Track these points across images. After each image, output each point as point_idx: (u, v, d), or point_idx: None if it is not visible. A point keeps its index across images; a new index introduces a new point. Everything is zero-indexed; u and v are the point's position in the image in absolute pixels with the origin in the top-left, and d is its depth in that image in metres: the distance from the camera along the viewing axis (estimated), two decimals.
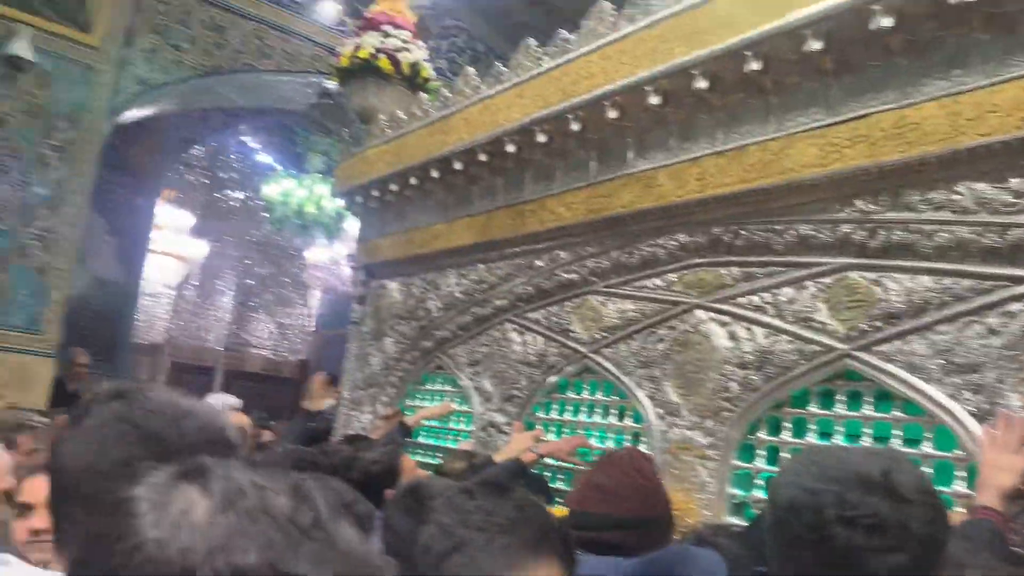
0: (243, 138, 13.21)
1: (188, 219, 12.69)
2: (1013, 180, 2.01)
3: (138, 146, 10.13)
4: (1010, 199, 2.02)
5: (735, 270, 2.72)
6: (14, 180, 7.02)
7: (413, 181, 4.14)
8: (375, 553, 0.60)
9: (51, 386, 6.97)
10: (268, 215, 11.21)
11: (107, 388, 1.06)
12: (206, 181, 13.97)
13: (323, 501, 0.60)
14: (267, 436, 6.33)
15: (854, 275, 2.37)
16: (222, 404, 4.49)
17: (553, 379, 3.38)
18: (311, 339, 14.61)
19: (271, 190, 10.67)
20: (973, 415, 2.04)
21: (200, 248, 13.07)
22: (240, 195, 14.22)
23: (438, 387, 4.16)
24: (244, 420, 4.17)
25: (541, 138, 3.33)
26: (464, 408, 3.89)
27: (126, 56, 7.65)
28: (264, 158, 13.46)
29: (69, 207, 7.31)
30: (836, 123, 2.41)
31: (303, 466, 2.74)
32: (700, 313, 2.81)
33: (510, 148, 3.49)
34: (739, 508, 2.61)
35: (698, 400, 2.75)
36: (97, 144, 7.55)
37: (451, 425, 3.98)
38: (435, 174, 3.97)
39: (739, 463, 2.63)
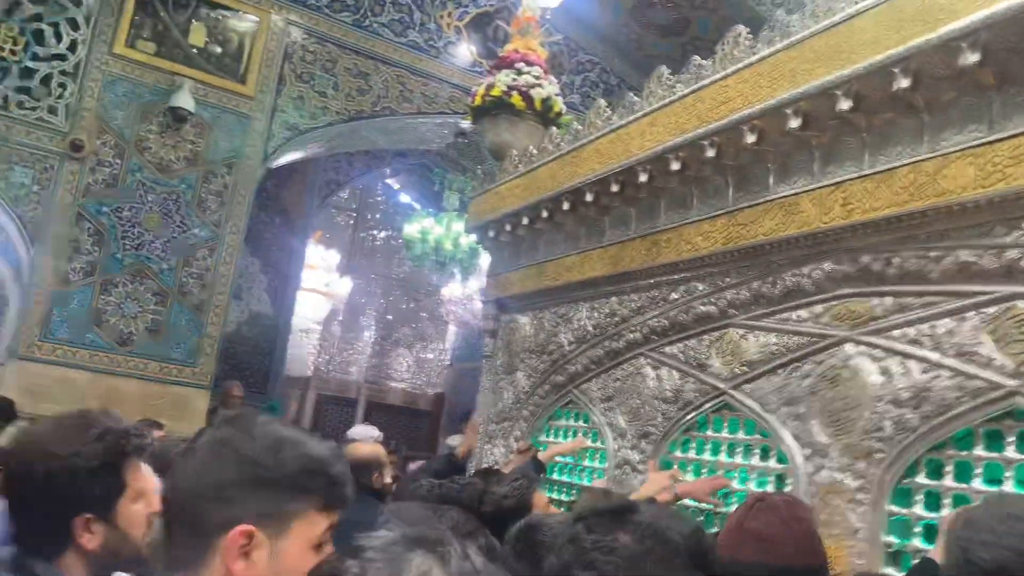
0: (387, 180, 13.79)
1: (335, 258, 13.32)
2: None
3: (289, 188, 10.79)
4: None
5: (887, 300, 2.54)
6: (175, 223, 7.61)
7: (544, 214, 4.15)
8: None
9: (207, 416, 7.42)
10: (407, 252, 11.58)
11: (221, 415, 1.09)
12: (351, 221, 14.66)
13: None
14: (410, 466, 6.49)
15: (1023, 305, 2.15)
16: (363, 434, 4.61)
17: (691, 416, 3.26)
18: (446, 372, 14.91)
19: (411, 228, 11.04)
20: None
21: (345, 286, 13.67)
22: (383, 234, 14.82)
23: (571, 422, 4.10)
24: (381, 451, 4.25)
25: (675, 166, 3.25)
26: (597, 444, 3.82)
27: (277, 104, 8.18)
28: (405, 198, 13.99)
29: (226, 247, 7.83)
30: (998, 140, 2.22)
31: (445, 500, 2.76)
32: (849, 347, 2.63)
33: (643, 177, 3.44)
34: (895, 557, 2.40)
35: (848, 440, 2.56)
36: (252, 187, 8.08)
37: (585, 462, 3.91)
38: (566, 206, 3.96)
39: (894, 508, 2.43)
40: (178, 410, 7.20)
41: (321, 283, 12.99)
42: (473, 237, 5.57)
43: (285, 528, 1.00)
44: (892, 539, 2.41)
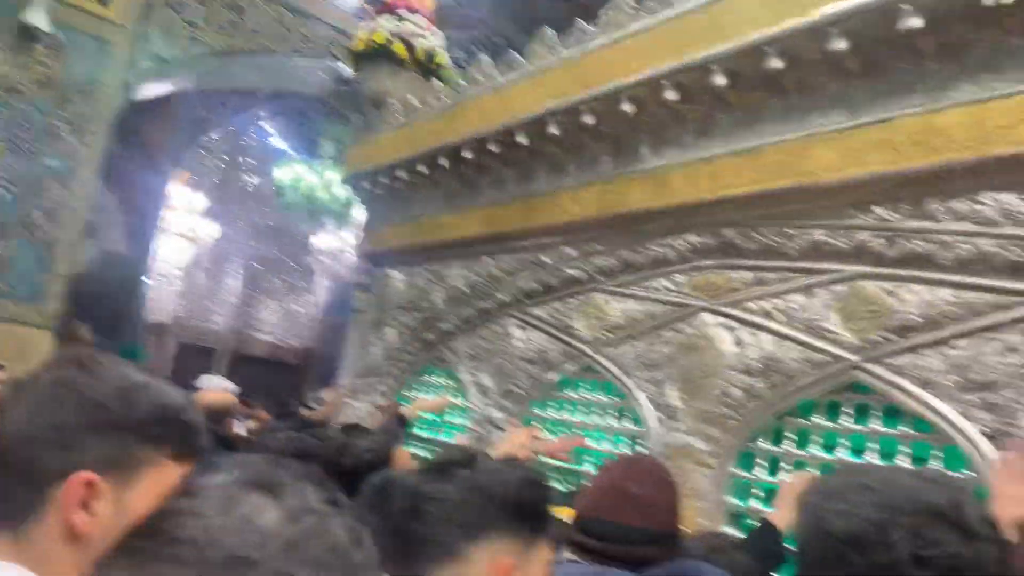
0: (261, 124, 13.19)
1: (202, 201, 12.67)
2: None
3: (153, 123, 10.10)
4: None
5: (746, 274, 2.64)
6: (24, 151, 6.99)
7: (422, 169, 4.07)
8: None
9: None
10: (279, 199, 11.16)
11: (60, 355, 0.98)
12: (222, 164, 13.96)
13: (372, 546, 0.67)
14: (263, 415, 6.29)
15: (869, 284, 2.28)
16: (216, 386, 4.43)
17: (553, 377, 3.31)
18: (316, 326, 14.57)
19: (283, 174, 10.63)
20: (986, 435, 1.95)
21: (212, 231, 13.05)
22: (255, 180, 14.20)
23: (438, 380, 4.09)
24: (231, 399, 4.09)
25: (554, 130, 3.25)
26: (462, 402, 3.82)
27: (141, 31, 7.61)
28: (280, 143, 13.44)
29: (79, 181, 7.27)
30: (858, 126, 2.32)
31: (303, 453, 2.68)
32: (707, 316, 2.73)
33: (522, 139, 3.42)
34: (736, 518, 2.53)
35: (700, 405, 2.67)
36: (109, 118, 7.51)
37: (448, 419, 3.91)
38: (445, 163, 3.90)
39: (738, 472, 2.55)
40: (20, 352, 6.68)
41: (186, 227, 12.35)
42: (348, 188, 5.40)
43: (132, 477, 0.89)
44: (734, 500, 2.53)
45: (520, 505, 1.25)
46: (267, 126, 13.35)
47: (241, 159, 14.21)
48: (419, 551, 1.16)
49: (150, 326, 12.39)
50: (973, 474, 1.98)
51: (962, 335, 2.04)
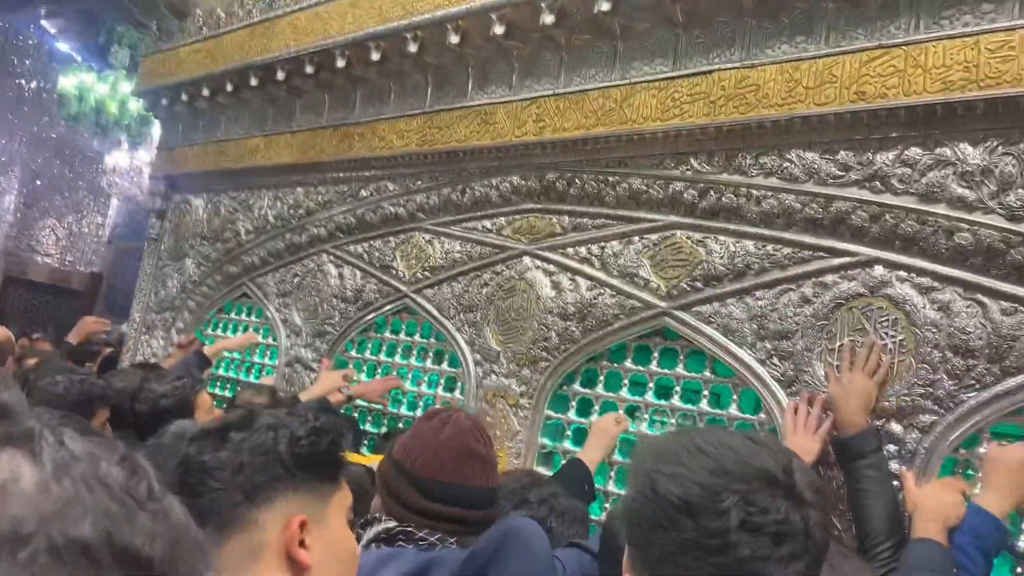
0: (42, 23, 11.68)
1: None
2: (842, 153, 2.04)
3: None
4: (837, 172, 2.04)
5: (566, 219, 2.64)
6: None
7: (228, 87, 3.75)
8: (198, 529, 0.58)
9: None
10: (62, 110, 10.00)
11: None
12: None
13: (154, 473, 0.58)
14: (45, 346, 5.71)
15: (681, 234, 2.35)
16: None
17: (369, 316, 3.20)
18: (105, 250, 13.41)
19: (67, 82, 9.50)
20: (779, 381, 2.09)
21: None
22: (33, 84, 12.63)
23: (242, 317, 3.85)
24: (5, 335, 3.67)
25: (375, 55, 3.07)
26: (269, 341, 3.63)
27: None
28: (63, 47, 12.00)
29: None
30: (679, 76, 2.35)
31: (89, 398, 2.43)
32: (527, 260, 2.72)
33: (340, 63, 3.21)
34: (548, 457, 2.58)
35: (517, 348, 2.67)
36: None
37: (254, 359, 3.71)
38: (254, 82, 3.60)
39: (551, 413, 2.59)
40: None
41: None
42: (143, 102, 4.90)
43: None
44: (546, 441, 2.58)
45: (306, 457, 1.16)
46: (49, 26, 11.85)
47: (16, 60, 12.58)
48: (205, 524, 1.06)
49: None
50: (764, 416, 2.12)
51: (763, 286, 2.15)
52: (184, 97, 4.03)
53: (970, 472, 1.82)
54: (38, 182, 13.08)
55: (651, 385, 2.39)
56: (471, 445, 1.61)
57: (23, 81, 12.71)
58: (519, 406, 2.62)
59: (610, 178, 2.51)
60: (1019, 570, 1.72)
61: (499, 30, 2.69)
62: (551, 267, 2.65)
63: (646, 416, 2.37)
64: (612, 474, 2.38)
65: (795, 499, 0.90)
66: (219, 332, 3.91)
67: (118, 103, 9.19)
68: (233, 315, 3.90)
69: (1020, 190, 1.77)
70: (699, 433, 1.00)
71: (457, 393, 2.85)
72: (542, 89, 2.70)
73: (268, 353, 3.64)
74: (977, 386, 1.79)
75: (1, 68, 12.41)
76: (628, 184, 2.46)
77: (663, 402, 2.35)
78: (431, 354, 3.02)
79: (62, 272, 13.39)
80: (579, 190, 2.59)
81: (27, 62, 12.64)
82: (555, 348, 2.57)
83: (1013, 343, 1.75)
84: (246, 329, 3.77)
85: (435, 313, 2.95)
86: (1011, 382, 1.74)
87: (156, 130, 7.74)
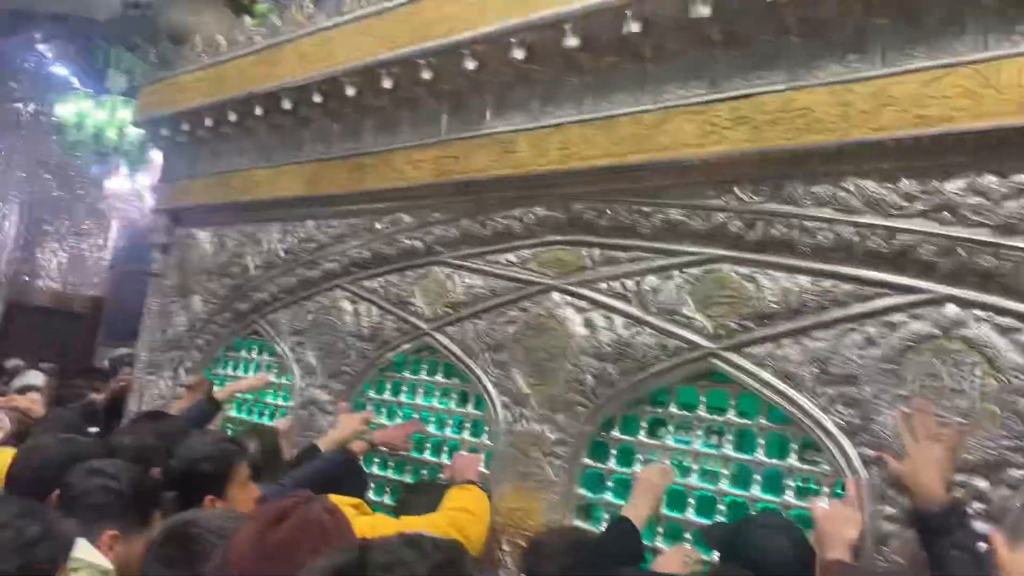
0: (38, 47, 11.56)
1: None
2: (904, 181, 1.88)
3: None
4: (899, 201, 1.88)
5: (596, 252, 2.48)
6: None
7: (232, 117, 3.59)
8: None
9: None
10: (60, 139, 9.84)
11: None
12: None
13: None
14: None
15: (726, 268, 2.18)
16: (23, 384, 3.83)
17: (388, 355, 3.03)
18: (107, 274, 13.26)
19: (66, 110, 9.33)
20: (843, 430, 1.92)
21: None
22: (31, 108, 12.50)
23: (253, 355, 3.69)
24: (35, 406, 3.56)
25: (386, 83, 2.91)
26: (282, 381, 3.46)
27: None
28: (61, 70, 11.88)
29: None
30: (718, 100, 2.19)
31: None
32: (556, 296, 2.55)
33: (350, 91, 3.05)
34: (586, 511, 2.41)
35: (549, 391, 2.50)
36: None
37: (267, 400, 3.54)
38: (259, 111, 3.45)
39: (590, 462, 2.42)
40: None
41: None
42: (143, 132, 4.76)
43: None
44: (585, 492, 2.41)
45: None
46: (46, 50, 11.73)
47: (14, 84, 12.45)
48: None
49: None
50: (829, 468, 1.96)
51: (822, 326, 1.98)
52: (185, 127, 3.88)
53: None
54: (38, 206, 12.98)
55: (698, 434, 2.22)
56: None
57: (20, 105, 12.61)
58: (553, 454, 2.45)
59: (644, 208, 2.35)
60: None
61: (519, 54, 2.54)
62: (583, 303, 2.48)
63: (696, 466, 2.20)
64: (660, 530, 2.21)
65: None
66: (229, 371, 3.75)
67: (117, 129, 9.03)
68: (243, 353, 3.74)
69: None
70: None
71: (485, 439, 2.69)
72: (565, 116, 2.54)
73: (281, 394, 3.48)
74: None
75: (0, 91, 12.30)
76: (665, 214, 2.30)
77: (713, 451, 2.18)
78: (455, 396, 2.86)
79: (65, 296, 13.29)
80: (610, 221, 2.43)
81: (24, 85, 12.53)
82: (591, 391, 2.40)
83: None
84: (258, 368, 3.60)
85: (458, 352, 2.79)
86: None
87: (156, 153, 7.60)
